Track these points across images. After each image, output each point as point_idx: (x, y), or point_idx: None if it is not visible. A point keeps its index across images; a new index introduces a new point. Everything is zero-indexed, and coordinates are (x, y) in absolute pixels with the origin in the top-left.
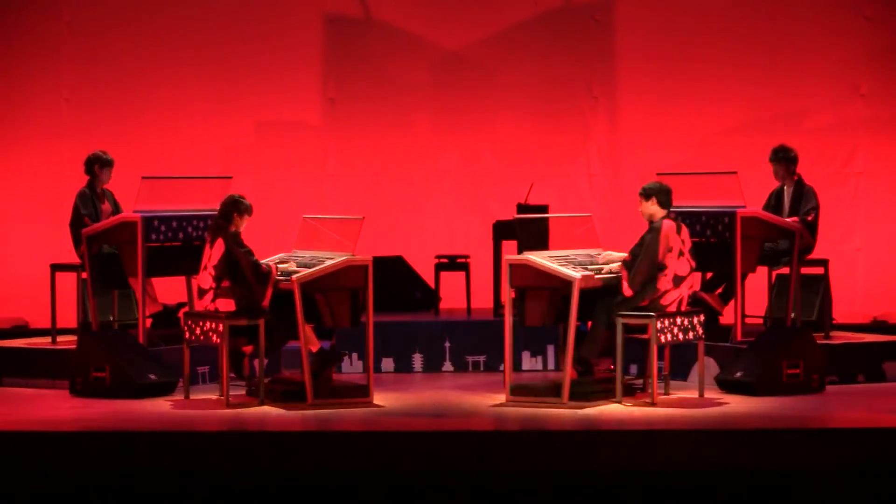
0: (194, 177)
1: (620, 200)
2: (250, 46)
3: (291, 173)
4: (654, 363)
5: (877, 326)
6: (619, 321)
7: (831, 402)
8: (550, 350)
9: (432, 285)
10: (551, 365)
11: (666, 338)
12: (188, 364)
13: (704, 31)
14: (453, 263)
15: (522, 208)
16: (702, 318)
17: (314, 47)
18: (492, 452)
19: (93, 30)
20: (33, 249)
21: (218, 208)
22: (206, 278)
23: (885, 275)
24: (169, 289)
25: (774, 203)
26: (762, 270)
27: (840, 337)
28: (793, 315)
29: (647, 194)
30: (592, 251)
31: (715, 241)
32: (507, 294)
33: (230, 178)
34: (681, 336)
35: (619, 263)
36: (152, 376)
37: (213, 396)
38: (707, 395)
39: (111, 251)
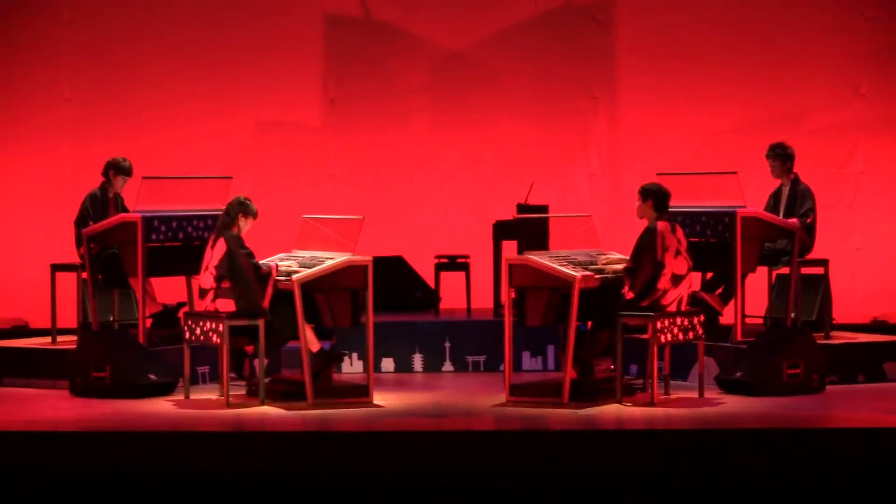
0: (194, 177)
1: (620, 200)
2: (250, 46)
3: (291, 173)
4: (654, 363)
5: (877, 326)
6: (619, 321)
7: (831, 402)
8: (550, 350)
9: (432, 285)
10: (551, 365)
11: (666, 338)
12: (188, 364)
13: (704, 31)
14: (453, 263)
15: (522, 208)
16: (702, 318)
17: (314, 47)
18: (492, 452)
19: (93, 30)
20: (33, 249)
21: (223, 209)
22: (207, 279)
23: (885, 275)
24: (169, 289)
25: (773, 204)
26: (762, 270)
27: (840, 337)
28: (793, 315)
29: (644, 195)
30: (592, 251)
31: (715, 241)
32: (507, 294)
33: (230, 178)
34: (681, 336)
35: (622, 266)
36: (152, 376)
37: (214, 396)
38: (707, 395)
39: (111, 251)
